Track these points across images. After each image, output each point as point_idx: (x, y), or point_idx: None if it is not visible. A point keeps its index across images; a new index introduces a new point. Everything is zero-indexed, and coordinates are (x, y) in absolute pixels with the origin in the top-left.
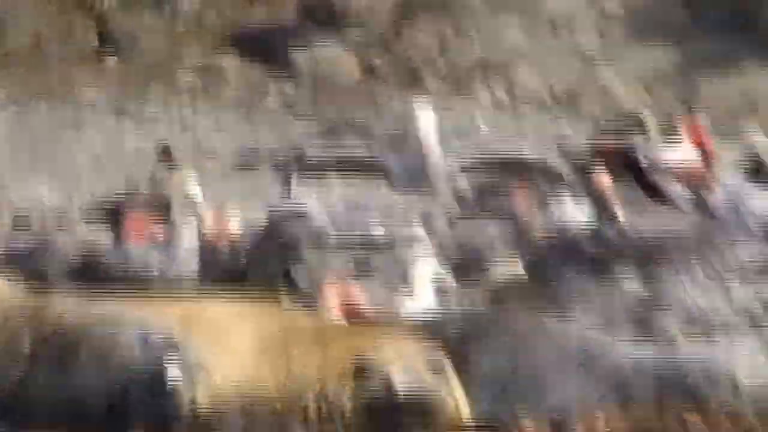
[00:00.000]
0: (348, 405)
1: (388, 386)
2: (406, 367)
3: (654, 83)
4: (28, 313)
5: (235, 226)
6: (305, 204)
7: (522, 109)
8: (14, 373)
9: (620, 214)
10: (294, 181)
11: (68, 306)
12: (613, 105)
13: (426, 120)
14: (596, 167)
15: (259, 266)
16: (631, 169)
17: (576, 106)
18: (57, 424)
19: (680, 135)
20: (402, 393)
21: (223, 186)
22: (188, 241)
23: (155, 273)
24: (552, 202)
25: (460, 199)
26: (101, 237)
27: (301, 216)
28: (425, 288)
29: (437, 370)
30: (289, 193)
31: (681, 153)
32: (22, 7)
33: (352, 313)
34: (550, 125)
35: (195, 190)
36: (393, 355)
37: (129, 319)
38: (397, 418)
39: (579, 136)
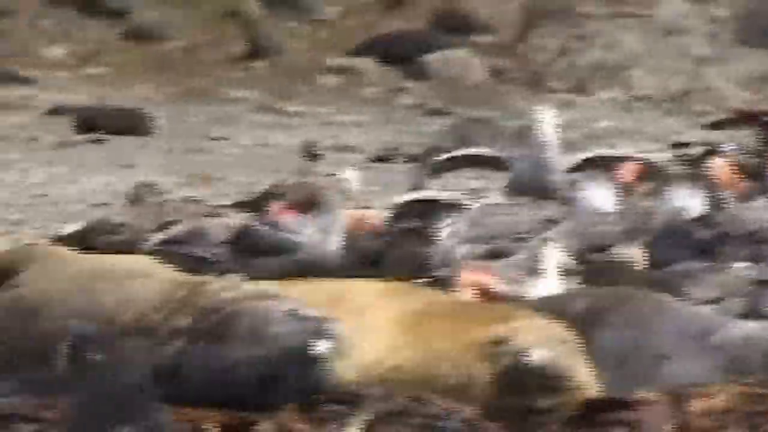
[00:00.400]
0: (484, 377)
1: (526, 359)
2: (542, 341)
3: (761, 84)
4: (186, 291)
5: (373, 215)
6: (438, 195)
7: (638, 107)
8: (174, 349)
9: (731, 200)
10: (427, 174)
11: (223, 284)
12: (722, 104)
13: (546, 120)
14: (709, 158)
15: (397, 252)
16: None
17: (687, 105)
18: (212, 398)
19: None
20: (539, 366)
21: (363, 178)
22: (332, 228)
23: (301, 257)
24: (666, 190)
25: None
26: (251, 224)
27: (433, 205)
28: (553, 272)
29: (569, 346)
30: (422, 185)
31: None
32: (177, 16)
33: (486, 295)
34: (664, 122)
35: (350, 176)
36: (529, 330)
37: (280, 297)
38: (533, 389)
39: (691, 132)
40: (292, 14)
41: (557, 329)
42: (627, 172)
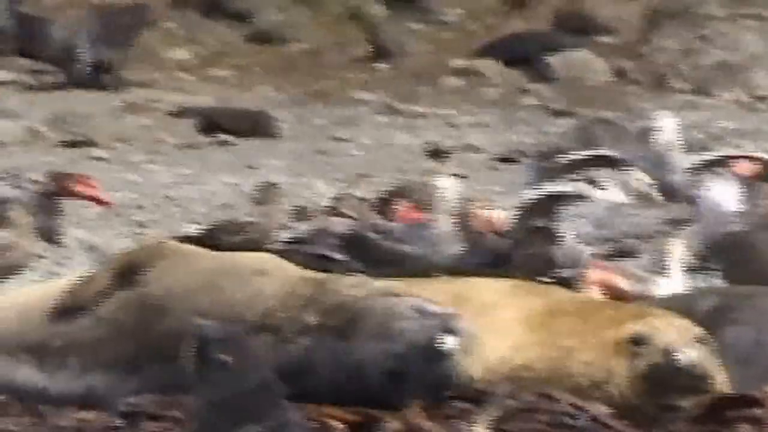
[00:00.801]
0: (623, 374)
1: (676, 358)
2: (685, 340)
3: None
4: (312, 288)
5: (498, 215)
6: (564, 189)
7: (760, 107)
8: (301, 346)
9: None
10: (548, 173)
11: (349, 281)
12: None
13: (667, 124)
14: None
15: (522, 252)
16: None
17: None
18: (338, 395)
19: None
20: (688, 365)
21: (486, 178)
22: (450, 227)
23: (423, 255)
24: None
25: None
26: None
27: (558, 202)
28: (678, 270)
29: (704, 343)
30: (540, 183)
31: None
32: (300, 19)
33: (613, 294)
34: None
35: (448, 183)
36: (669, 329)
37: (405, 294)
38: (677, 388)
39: None
40: (414, 16)
41: (695, 328)
42: (743, 168)
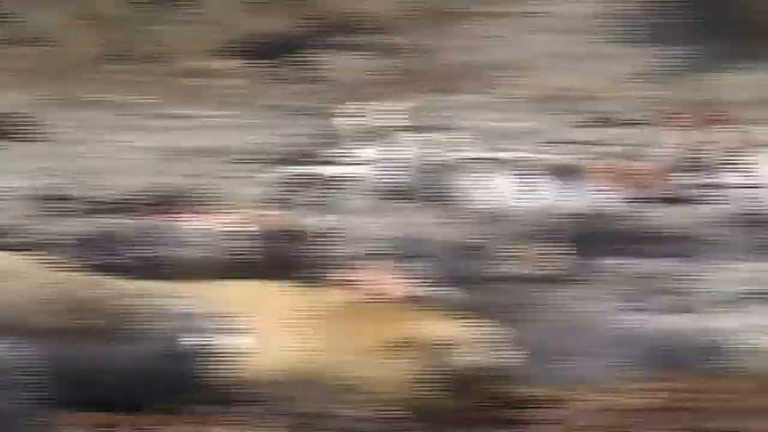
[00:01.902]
0: (399, 375)
1: (449, 358)
2: (460, 340)
3: (641, 81)
4: (64, 289)
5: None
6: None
7: (521, 107)
8: (54, 350)
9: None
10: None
11: (107, 283)
12: (601, 102)
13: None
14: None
15: (277, 255)
16: None
17: (568, 104)
18: (91, 398)
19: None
20: (478, 365)
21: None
22: (207, 229)
23: (178, 258)
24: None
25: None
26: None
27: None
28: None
29: (491, 345)
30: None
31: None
32: (41, 19)
33: (382, 294)
34: (544, 121)
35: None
36: (443, 329)
37: (168, 296)
38: (457, 387)
39: (573, 131)
40: (156, 16)
41: (474, 328)
42: None
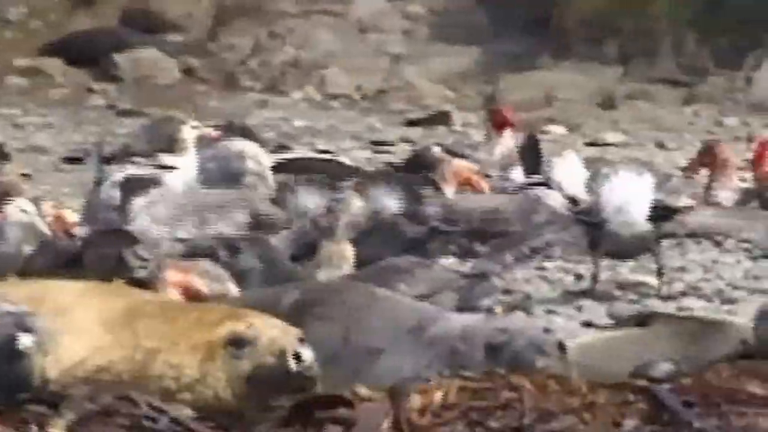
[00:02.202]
0: (220, 376)
1: (283, 358)
2: (286, 339)
3: (458, 80)
4: None
5: (71, 217)
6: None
7: (333, 105)
8: None
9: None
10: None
11: None
12: (419, 101)
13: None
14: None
15: (95, 252)
16: None
17: (385, 103)
18: None
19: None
20: (297, 364)
21: (53, 179)
22: (18, 226)
23: None
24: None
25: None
26: None
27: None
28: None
29: (304, 343)
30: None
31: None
32: None
33: (190, 294)
34: (362, 121)
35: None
36: (267, 328)
37: None
38: (283, 388)
39: (390, 130)
40: None
41: (292, 328)
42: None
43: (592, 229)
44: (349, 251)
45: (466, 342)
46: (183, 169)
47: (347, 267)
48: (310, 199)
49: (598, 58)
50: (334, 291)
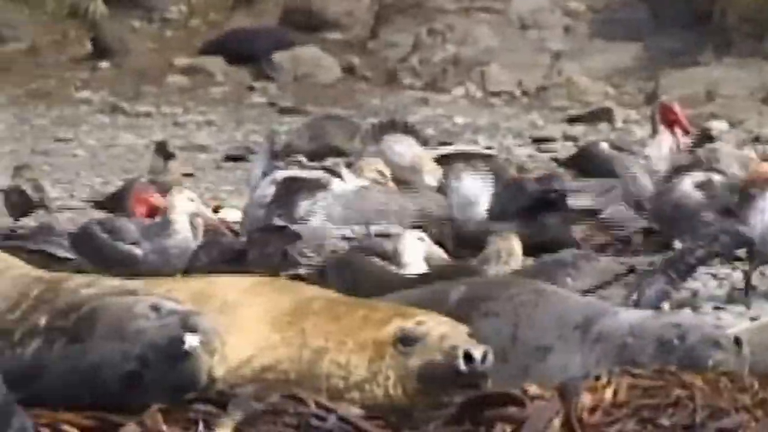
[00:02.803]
0: (391, 374)
1: (452, 355)
2: (456, 337)
3: (618, 77)
4: (42, 288)
5: (231, 213)
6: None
7: (494, 102)
8: (32, 347)
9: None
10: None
11: (81, 280)
12: (580, 98)
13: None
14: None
15: (259, 249)
16: None
17: (546, 100)
18: (74, 398)
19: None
20: (467, 362)
21: (214, 177)
22: (186, 226)
23: (156, 254)
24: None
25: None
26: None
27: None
28: (418, 261)
29: (474, 341)
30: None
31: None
32: (18, 18)
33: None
34: (522, 117)
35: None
36: (437, 326)
37: (142, 292)
38: (454, 385)
39: (551, 126)
40: (136, 14)
41: (461, 325)
42: None
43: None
44: (517, 247)
45: (636, 338)
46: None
47: (515, 263)
48: (472, 190)
49: (760, 54)
50: (501, 287)
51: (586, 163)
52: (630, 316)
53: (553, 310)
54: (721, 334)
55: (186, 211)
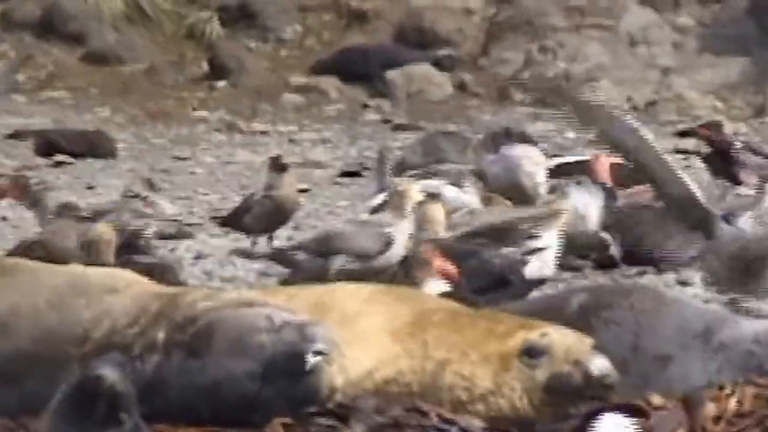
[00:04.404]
0: (517, 386)
1: (581, 367)
2: (581, 348)
3: (727, 91)
4: (161, 303)
5: None
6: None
7: None
8: (151, 362)
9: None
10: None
11: (198, 294)
12: (690, 112)
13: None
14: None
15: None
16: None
17: (655, 114)
18: (195, 414)
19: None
20: (595, 373)
21: (331, 193)
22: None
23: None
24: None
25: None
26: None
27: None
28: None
29: (599, 352)
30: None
31: None
32: (137, 40)
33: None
34: None
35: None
36: (561, 338)
37: (260, 304)
38: (581, 397)
39: (660, 141)
40: (251, 33)
41: (586, 337)
42: (602, 171)
43: None
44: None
45: (762, 345)
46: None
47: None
48: (581, 200)
49: None
50: (621, 294)
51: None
52: (753, 324)
53: (673, 318)
54: None
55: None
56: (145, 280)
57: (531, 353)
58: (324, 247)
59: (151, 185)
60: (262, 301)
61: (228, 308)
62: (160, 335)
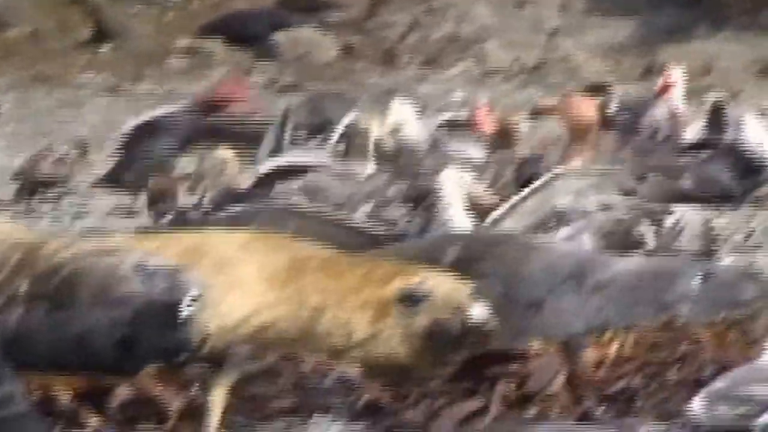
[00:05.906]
0: (394, 332)
1: (460, 313)
2: (461, 295)
3: (616, 53)
4: (21, 253)
5: None
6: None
7: (492, 80)
8: (13, 314)
9: None
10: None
11: (59, 243)
12: (577, 74)
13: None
14: None
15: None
16: None
17: (543, 76)
18: (64, 363)
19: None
20: (474, 320)
21: None
22: None
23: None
24: None
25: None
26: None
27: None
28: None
29: (477, 298)
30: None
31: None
32: (21, 4)
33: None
34: (520, 94)
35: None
36: (441, 284)
37: (129, 252)
38: (459, 343)
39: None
40: None
41: (466, 284)
42: (484, 124)
43: None
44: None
45: (636, 288)
46: None
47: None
48: None
49: (756, 27)
50: (491, 245)
51: None
52: (629, 262)
53: (541, 263)
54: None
55: None
56: (5, 227)
57: (410, 299)
58: None
59: None
60: (128, 247)
61: (91, 257)
62: (23, 287)
